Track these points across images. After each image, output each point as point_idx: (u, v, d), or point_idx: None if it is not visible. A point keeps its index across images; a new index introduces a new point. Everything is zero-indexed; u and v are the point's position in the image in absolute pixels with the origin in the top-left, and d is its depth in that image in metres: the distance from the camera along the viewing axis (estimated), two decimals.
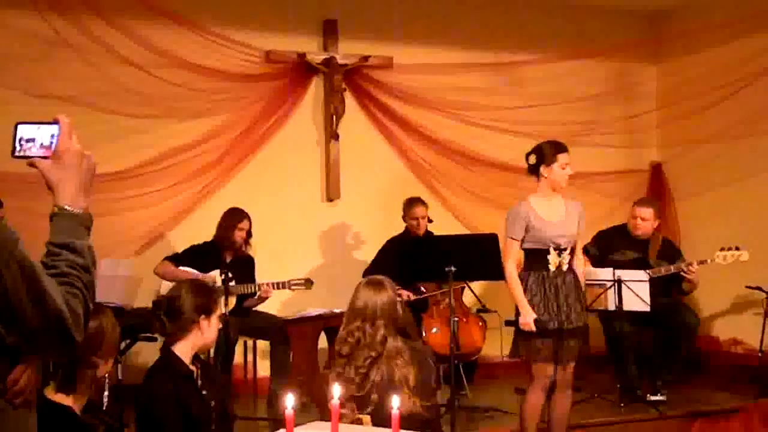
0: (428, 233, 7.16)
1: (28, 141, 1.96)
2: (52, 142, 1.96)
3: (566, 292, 5.20)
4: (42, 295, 1.79)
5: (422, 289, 6.96)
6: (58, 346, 1.86)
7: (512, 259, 5.25)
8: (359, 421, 3.57)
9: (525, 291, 5.19)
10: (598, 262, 6.79)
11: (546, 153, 5.23)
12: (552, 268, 5.19)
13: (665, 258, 7.03)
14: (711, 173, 8.21)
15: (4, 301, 1.77)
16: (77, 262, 1.90)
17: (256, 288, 6.67)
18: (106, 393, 3.21)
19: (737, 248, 6.70)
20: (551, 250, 5.18)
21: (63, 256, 1.89)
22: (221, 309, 3.79)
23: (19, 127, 1.96)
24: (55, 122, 1.97)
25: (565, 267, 5.23)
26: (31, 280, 1.78)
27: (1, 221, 1.84)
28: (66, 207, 1.94)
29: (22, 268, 1.77)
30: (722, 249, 6.74)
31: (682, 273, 6.80)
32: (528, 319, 5.10)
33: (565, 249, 5.21)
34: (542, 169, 5.22)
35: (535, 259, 5.23)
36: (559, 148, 5.25)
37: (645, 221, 7.02)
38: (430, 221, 7.21)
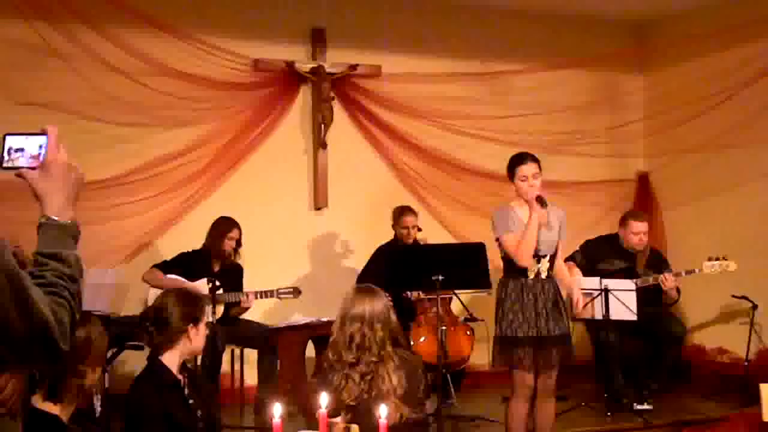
0: (417, 242, 7.18)
1: (16, 151, 1.96)
2: (40, 153, 1.96)
3: (545, 300, 5.22)
4: (28, 304, 1.78)
5: (410, 296, 6.96)
6: (44, 355, 1.86)
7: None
8: (347, 430, 3.55)
9: (505, 297, 5.21)
10: (585, 271, 6.80)
11: (509, 166, 5.30)
12: (531, 275, 5.21)
13: (653, 268, 7.06)
14: (697, 183, 8.24)
15: None
16: (64, 272, 1.90)
17: (241, 296, 6.66)
18: (99, 402, 3.19)
19: (725, 258, 6.73)
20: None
21: (50, 266, 1.89)
22: (208, 316, 3.78)
23: (8, 138, 1.96)
24: (43, 133, 1.97)
25: (544, 275, 5.25)
26: (18, 290, 1.77)
27: None
28: (53, 217, 1.94)
29: (9, 277, 1.77)
30: (710, 259, 6.77)
31: (660, 284, 6.82)
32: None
33: (544, 256, 5.23)
34: (511, 181, 5.29)
35: (514, 266, 5.23)
36: (517, 160, 5.28)
37: (645, 235, 7.06)
38: (419, 230, 7.22)
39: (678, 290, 6.94)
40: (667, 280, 6.77)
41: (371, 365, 3.82)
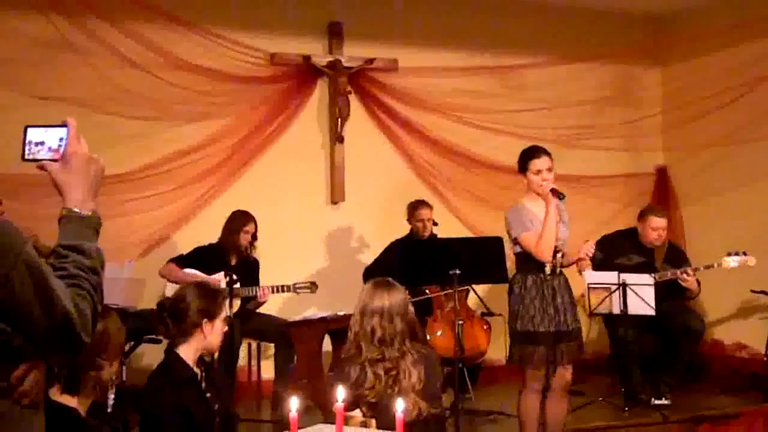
0: (433, 236, 7.17)
1: (37, 144, 1.97)
2: (60, 145, 1.97)
3: (561, 295, 5.20)
4: (50, 296, 1.79)
5: (426, 291, 6.96)
6: (65, 347, 1.87)
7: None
8: (365, 425, 3.55)
9: (524, 292, 5.18)
10: (603, 265, 6.76)
11: (521, 160, 5.26)
12: (548, 270, 5.19)
13: (671, 262, 7.02)
14: (716, 177, 8.20)
15: (13, 303, 1.77)
16: (85, 264, 1.90)
17: (258, 291, 6.67)
18: (112, 396, 3.19)
19: (744, 253, 6.68)
20: None
21: (71, 258, 1.90)
22: (226, 312, 3.78)
23: (29, 130, 1.97)
24: (64, 125, 1.98)
25: (558, 269, 5.23)
26: (40, 282, 1.78)
27: (8, 223, 1.84)
28: (74, 209, 1.95)
29: (30, 270, 1.78)
30: (729, 254, 6.71)
31: (678, 279, 6.78)
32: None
33: (558, 251, 5.21)
34: (523, 175, 5.24)
35: (530, 261, 5.21)
36: (531, 154, 5.24)
37: (664, 231, 7.02)
38: (435, 224, 7.21)
39: (699, 283, 6.89)
40: (687, 278, 6.73)
41: (394, 360, 3.81)
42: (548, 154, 5.23)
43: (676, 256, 7.18)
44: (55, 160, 1.96)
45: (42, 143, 1.96)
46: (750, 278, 7.15)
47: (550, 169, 5.17)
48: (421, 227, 7.14)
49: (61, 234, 1.93)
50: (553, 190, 5.08)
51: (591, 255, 5.50)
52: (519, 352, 5.23)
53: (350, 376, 3.79)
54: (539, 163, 5.16)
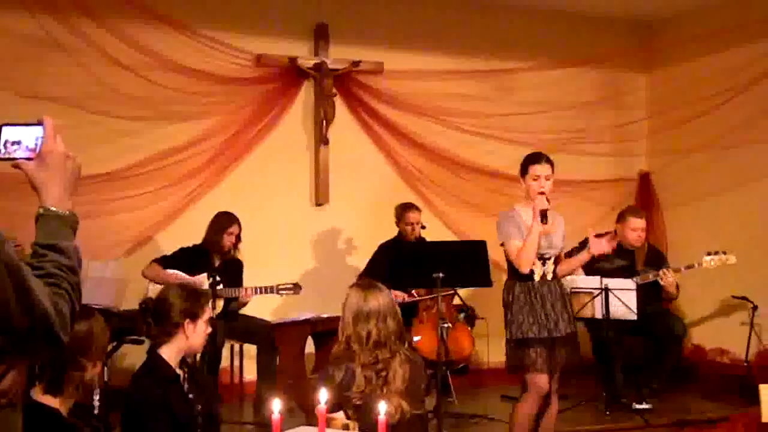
0: (421, 239, 7.18)
1: (13, 143, 1.96)
2: (36, 144, 1.96)
3: (552, 301, 5.18)
4: (29, 296, 1.78)
5: (414, 293, 6.96)
6: (44, 347, 1.86)
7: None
8: (347, 427, 3.55)
9: (513, 300, 5.17)
10: (585, 268, 6.79)
11: (523, 164, 5.25)
12: (537, 278, 5.18)
13: (652, 265, 7.05)
14: (699, 182, 8.24)
15: None
16: (63, 263, 1.89)
17: (241, 292, 6.66)
18: (97, 397, 3.19)
19: (724, 252, 6.71)
20: (536, 260, 5.16)
21: (49, 257, 1.89)
22: (209, 313, 3.77)
23: (4, 129, 1.96)
24: (40, 123, 1.97)
25: (549, 276, 5.21)
26: (18, 281, 1.77)
27: None
28: (51, 208, 1.94)
29: (8, 269, 1.76)
30: (709, 253, 6.75)
31: (658, 280, 6.81)
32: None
33: (549, 258, 5.20)
34: (522, 179, 5.24)
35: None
36: (532, 159, 5.21)
37: (643, 231, 7.05)
38: (423, 227, 7.22)
39: (677, 286, 6.91)
40: (666, 275, 6.75)
41: (386, 361, 3.80)
42: (550, 162, 5.19)
43: (657, 258, 7.22)
44: (30, 159, 1.95)
45: (18, 142, 1.95)
46: (731, 284, 7.19)
47: (548, 178, 5.14)
48: (410, 230, 7.15)
49: (39, 233, 1.92)
50: (542, 212, 5.06)
51: (607, 250, 5.44)
52: (516, 359, 5.19)
53: (335, 378, 3.78)
54: (539, 169, 5.14)
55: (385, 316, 3.84)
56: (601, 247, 5.28)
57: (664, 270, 6.78)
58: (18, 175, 1.96)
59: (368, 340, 3.81)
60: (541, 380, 5.12)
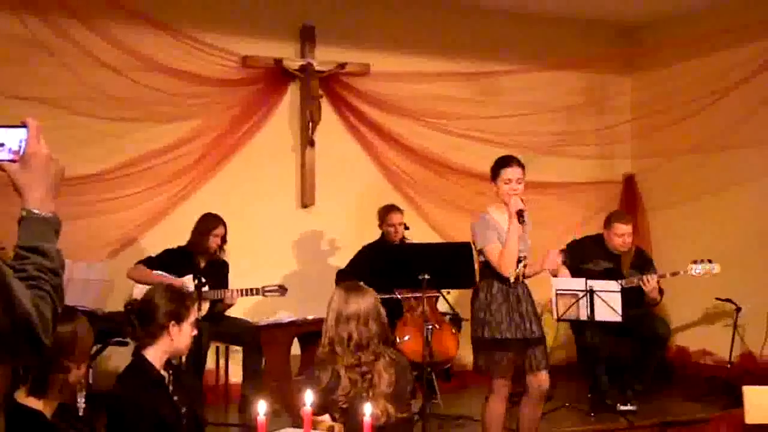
0: (404, 240, 7.18)
1: None
2: (20, 146, 1.95)
3: (526, 302, 5.23)
4: (10, 298, 1.77)
5: (397, 294, 6.96)
6: (26, 350, 1.84)
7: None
8: (332, 429, 3.55)
9: (491, 299, 5.19)
10: (570, 270, 6.81)
11: (493, 168, 5.27)
12: (511, 279, 5.19)
13: (638, 268, 7.07)
14: (683, 185, 8.28)
15: None
16: (46, 266, 1.89)
17: (226, 293, 6.65)
18: (82, 399, 3.18)
19: (710, 261, 6.74)
20: None
21: (31, 260, 1.88)
22: (194, 315, 3.76)
23: None
24: (23, 125, 1.96)
25: (521, 278, 5.25)
26: (0, 284, 1.77)
27: None
28: (34, 210, 1.93)
29: None
30: (695, 261, 6.77)
31: (641, 285, 6.82)
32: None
33: (520, 260, 5.23)
34: (493, 183, 5.26)
35: (495, 270, 5.22)
36: (503, 162, 5.25)
37: (629, 236, 7.06)
38: (406, 228, 7.22)
39: (661, 291, 6.93)
40: (649, 282, 6.77)
41: (370, 364, 3.80)
42: (521, 165, 5.23)
43: (644, 262, 7.23)
44: (14, 161, 1.95)
45: (2, 144, 1.95)
46: (715, 286, 7.22)
47: (519, 180, 5.17)
48: (393, 232, 7.15)
49: (21, 235, 1.92)
50: (519, 212, 5.09)
51: (556, 266, 5.55)
52: (486, 359, 5.23)
53: (321, 381, 3.77)
54: (510, 172, 5.17)
55: (367, 318, 3.83)
56: (552, 263, 5.40)
57: (648, 276, 6.79)
58: (1, 176, 1.96)
59: (350, 342, 3.80)
60: (505, 382, 5.21)
